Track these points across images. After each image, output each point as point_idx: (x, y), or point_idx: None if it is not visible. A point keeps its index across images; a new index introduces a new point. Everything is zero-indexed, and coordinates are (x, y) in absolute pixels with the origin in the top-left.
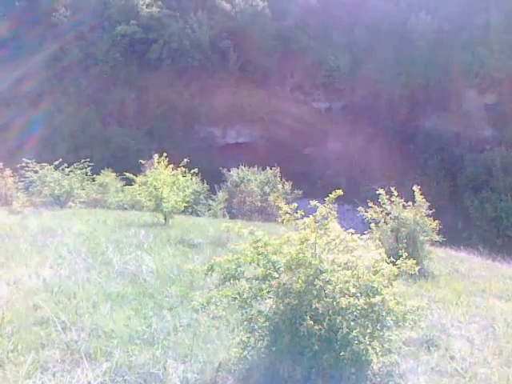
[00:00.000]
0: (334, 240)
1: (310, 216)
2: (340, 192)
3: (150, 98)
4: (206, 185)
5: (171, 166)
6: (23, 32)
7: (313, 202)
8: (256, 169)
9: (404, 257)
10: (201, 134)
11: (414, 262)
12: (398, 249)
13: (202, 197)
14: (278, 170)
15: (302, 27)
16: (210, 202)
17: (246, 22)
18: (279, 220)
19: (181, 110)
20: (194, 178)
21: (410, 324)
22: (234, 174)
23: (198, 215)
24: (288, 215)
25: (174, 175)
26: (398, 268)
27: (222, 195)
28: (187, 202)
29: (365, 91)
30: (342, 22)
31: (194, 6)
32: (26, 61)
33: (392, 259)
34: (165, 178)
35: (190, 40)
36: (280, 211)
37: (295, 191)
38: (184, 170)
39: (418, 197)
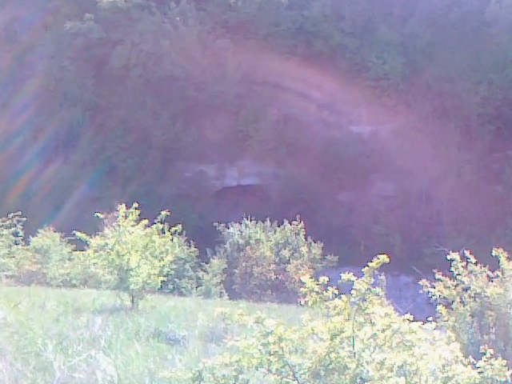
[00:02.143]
0: (381, 331)
1: (346, 295)
2: (385, 258)
3: (112, 122)
4: (194, 249)
5: (143, 221)
6: None
7: (346, 276)
8: (268, 224)
9: (489, 355)
10: (186, 173)
11: (504, 363)
12: (482, 343)
13: (188, 267)
14: (302, 225)
15: (334, 19)
16: (201, 274)
17: (251, 12)
18: (302, 301)
19: (157, 139)
20: (176, 239)
21: None
22: (236, 231)
23: (182, 294)
24: (314, 294)
25: (146, 235)
26: (481, 373)
27: (217, 264)
28: (166, 276)
29: (426, 108)
30: (391, 11)
31: None
32: None
33: (472, 359)
34: (133, 240)
35: (170, 39)
36: (303, 288)
37: (327, 257)
38: (162, 226)
39: (507, 264)
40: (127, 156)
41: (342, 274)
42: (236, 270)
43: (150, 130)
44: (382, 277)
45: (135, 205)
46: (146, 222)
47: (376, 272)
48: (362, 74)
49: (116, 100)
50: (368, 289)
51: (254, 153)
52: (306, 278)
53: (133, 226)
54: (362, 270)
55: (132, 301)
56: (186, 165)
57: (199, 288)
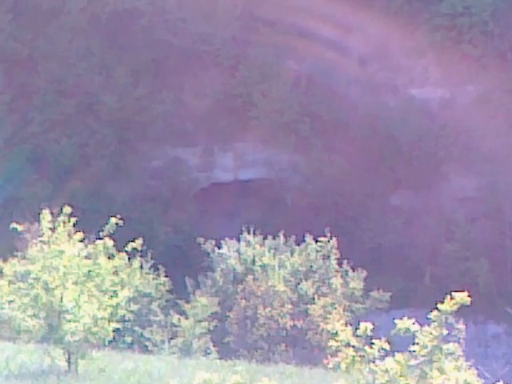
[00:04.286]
0: None
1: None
2: (464, 297)
3: (39, 82)
4: (165, 279)
5: (80, 234)
6: None
7: (402, 323)
8: (282, 241)
9: None
10: (154, 162)
11: None
12: None
13: (156, 307)
14: (334, 243)
15: None
16: (176, 319)
17: None
18: (332, 362)
19: (109, 109)
20: (137, 264)
21: None
22: (232, 252)
23: (146, 351)
24: (352, 351)
25: (89, 256)
26: None
27: (202, 303)
28: (122, 321)
29: None
30: None
31: None
32: None
33: None
34: (69, 265)
35: None
36: (334, 341)
37: (373, 293)
38: (112, 243)
39: None
40: (62, 134)
41: (396, 321)
42: (231, 314)
43: (98, 95)
44: (460, 325)
45: (66, 209)
46: (81, 235)
47: (450, 318)
48: (430, 8)
49: (45, 47)
50: (437, 345)
51: (260, 130)
52: (338, 326)
53: (69, 241)
54: (428, 314)
55: (68, 361)
56: (153, 148)
57: (174, 341)
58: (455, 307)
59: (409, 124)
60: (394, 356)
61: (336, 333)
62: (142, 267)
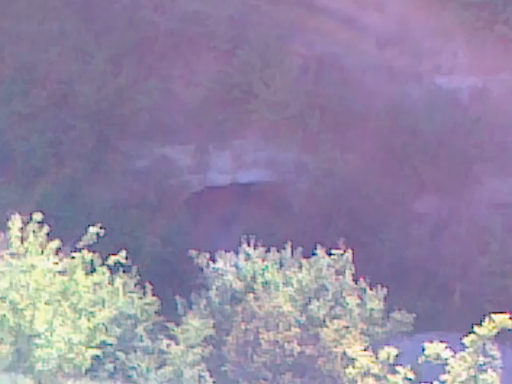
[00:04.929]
0: None
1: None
2: (505, 320)
3: None
4: (152, 298)
5: (53, 245)
6: None
7: (431, 348)
8: (289, 254)
9: None
10: (139, 162)
11: None
12: None
13: (141, 331)
14: (349, 256)
15: None
16: (165, 344)
17: None
18: None
19: (85, 100)
20: (119, 281)
21: None
22: (229, 267)
23: (130, 380)
24: (372, 379)
25: (64, 271)
26: None
27: (195, 327)
28: (102, 347)
29: None
30: None
31: None
32: None
33: None
34: (41, 282)
35: None
36: (351, 369)
37: (395, 314)
38: (91, 256)
39: None
40: (32, 130)
41: (425, 344)
42: (229, 338)
43: (74, 84)
44: (498, 352)
45: (37, 216)
46: (55, 247)
47: (488, 343)
48: None
49: (11, 29)
50: (473, 374)
51: (262, 125)
52: (356, 352)
53: (43, 254)
54: (459, 338)
55: None
56: (138, 147)
57: (162, 370)
58: (495, 331)
59: (435, 118)
60: None
61: (354, 359)
62: (125, 284)
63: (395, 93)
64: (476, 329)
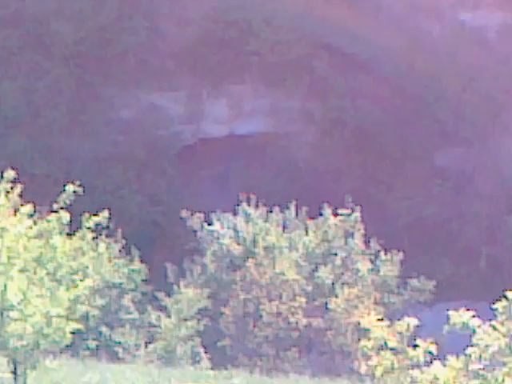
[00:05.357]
0: None
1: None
2: None
3: None
4: (139, 264)
5: (28, 207)
6: None
7: (457, 317)
8: (293, 214)
9: None
10: (124, 110)
11: None
12: None
13: (128, 302)
14: (359, 216)
15: None
16: (155, 317)
17: None
18: (362, 369)
19: (60, 38)
20: (103, 245)
21: None
22: (226, 229)
23: (116, 358)
24: (388, 353)
25: (40, 235)
26: None
27: (189, 296)
28: (81, 320)
29: None
30: None
31: None
32: None
33: None
34: (14, 247)
35: None
36: (366, 342)
37: (413, 280)
38: (69, 217)
39: None
40: (3, 75)
41: (450, 312)
42: (226, 310)
43: (50, 23)
44: None
45: (9, 173)
46: (30, 208)
47: None
48: None
49: None
50: (507, 344)
51: (262, 69)
52: (369, 322)
53: (13, 217)
54: (489, 308)
55: (14, 372)
56: (122, 94)
57: (152, 346)
58: None
59: (458, 59)
60: (445, 360)
61: (368, 330)
62: (109, 249)
63: (413, 31)
64: (508, 293)
